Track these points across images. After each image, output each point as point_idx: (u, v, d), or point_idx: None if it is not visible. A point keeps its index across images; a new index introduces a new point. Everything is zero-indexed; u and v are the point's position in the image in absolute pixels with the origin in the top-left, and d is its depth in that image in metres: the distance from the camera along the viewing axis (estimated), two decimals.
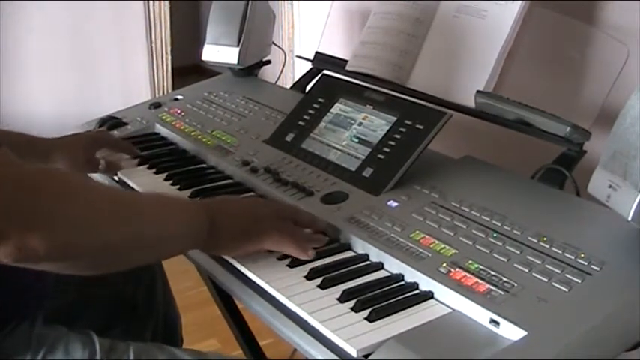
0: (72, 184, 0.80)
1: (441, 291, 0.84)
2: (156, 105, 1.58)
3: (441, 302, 0.84)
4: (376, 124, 1.16)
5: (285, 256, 0.94)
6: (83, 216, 0.77)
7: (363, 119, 1.18)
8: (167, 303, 1.31)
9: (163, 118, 1.50)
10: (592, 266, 0.82)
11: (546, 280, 0.81)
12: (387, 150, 1.11)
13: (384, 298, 0.84)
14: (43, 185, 0.75)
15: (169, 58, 3.39)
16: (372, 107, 1.19)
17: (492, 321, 0.77)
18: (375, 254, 0.94)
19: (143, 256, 0.89)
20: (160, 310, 1.28)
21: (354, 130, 1.18)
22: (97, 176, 1.30)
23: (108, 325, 1.09)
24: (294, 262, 0.93)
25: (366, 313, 0.81)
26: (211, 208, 0.92)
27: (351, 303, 0.83)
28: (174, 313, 1.35)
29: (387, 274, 0.91)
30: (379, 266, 0.92)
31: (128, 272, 1.23)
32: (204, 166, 1.31)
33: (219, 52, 1.64)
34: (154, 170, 1.28)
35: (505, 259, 0.86)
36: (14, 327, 0.89)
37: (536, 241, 0.88)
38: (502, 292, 0.80)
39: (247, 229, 0.92)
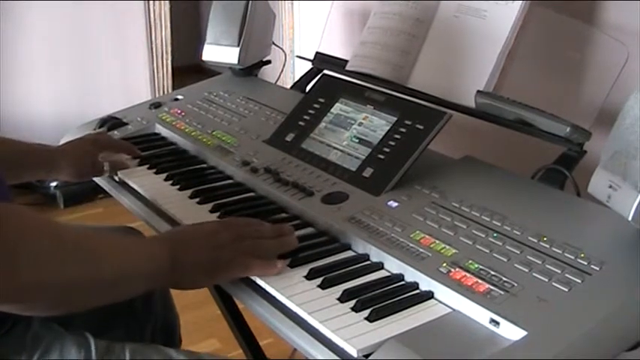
0: (31, 222, 0.78)
1: (441, 291, 0.84)
2: (156, 105, 1.58)
3: (441, 302, 0.84)
4: (376, 124, 1.16)
5: (284, 256, 0.94)
6: (44, 254, 0.75)
7: (363, 119, 1.18)
8: (165, 304, 1.31)
9: (163, 118, 1.50)
10: (592, 266, 0.82)
11: (546, 280, 0.81)
12: (387, 150, 1.11)
13: (384, 298, 0.84)
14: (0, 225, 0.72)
15: (169, 58, 3.39)
16: (372, 107, 1.19)
17: (492, 321, 0.77)
18: (375, 254, 0.94)
19: (104, 295, 0.85)
20: (158, 312, 1.28)
21: (354, 130, 1.18)
22: (99, 178, 1.31)
23: (106, 326, 1.09)
24: (294, 262, 0.93)
25: (366, 313, 0.81)
26: (172, 245, 0.89)
27: (352, 303, 0.83)
28: (173, 314, 1.35)
29: (387, 274, 0.91)
30: (379, 266, 0.92)
31: None
32: (204, 166, 1.31)
33: (219, 52, 1.64)
34: (154, 170, 1.28)
35: (505, 259, 0.86)
36: (9, 328, 0.89)
37: (536, 241, 0.88)
38: (502, 292, 0.80)
39: (213, 260, 0.89)
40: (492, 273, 0.83)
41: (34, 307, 0.79)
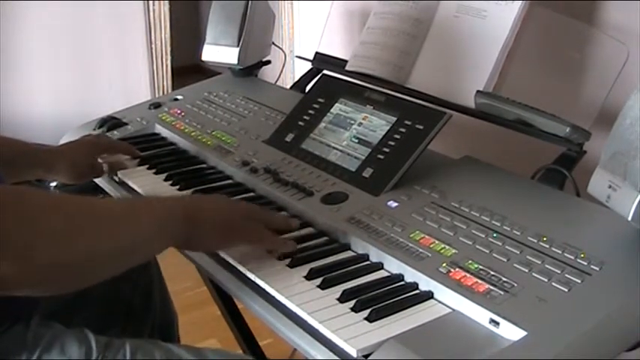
0: (41, 200, 0.77)
1: (440, 291, 0.84)
2: (156, 105, 1.58)
3: (440, 302, 0.84)
4: (376, 124, 1.16)
5: (284, 256, 0.94)
6: (58, 231, 0.75)
7: (363, 119, 1.18)
8: (164, 302, 1.31)
9: (163, 118, 1.50)
10: (592, 266, 0.82)
11: (546, 280, 0.81)
12: (386, 150, 1.11)
13: (383, 298, 0.84)
14: (8, 206, 0.71)
15: (169, 58, 3.39)
16: (371, 107, 1.19)
17: (492, 321, 0.77)
18: (375, 254, 0.94)
19: (123, 262, 0.86)
20: (156, 310, 1.28)
21: (353, 130, 1.18)
22: (99, 178, 1.31)
23: (105, 325, 1.09)
24: (294, 262, 0.93)
25: (365, 313, 0.81)
26: (185, 204, 0.91)
27: (351, 303, 0.83)
28: (171, 312, 1.35)
29: (387, 274, 0.91)
30: (379, 266, 0.92)
31: (125, 272, 1.23)
32: (204, 166, 1.31)
33: (219, 52, 1.64)
34: (154, 170, 1.28)
35: (505, 259, 0.85)
36: (8, 327, 0.89)
37: (536, 241, 0.88)
38: (502, 292, 0.80)
39: (227, 222, 0.92)
40: (492, 273, 0.83)
41: (57, 285, 0.79)
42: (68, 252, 0.76)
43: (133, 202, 0.88)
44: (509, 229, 0.91)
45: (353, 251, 0.97)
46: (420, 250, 0.91)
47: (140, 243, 0.85)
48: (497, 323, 0.77)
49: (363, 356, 0.75)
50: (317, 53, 1.61)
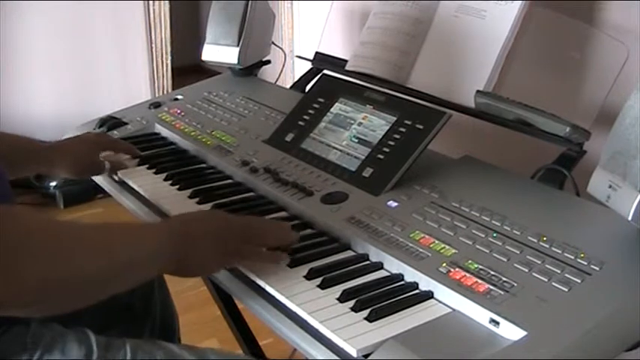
0: (31, 223, 0.76)
1: (440, 291, 0.84)
2: (156, 105, 1.58)
3: (440, 302, 0.84)
4: (376, 124, 1.16)
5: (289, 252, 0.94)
6: (47, 254, 0.74)
7: (363, 119, 1.18)
8: (164, 303, 1.31)
9: (163, 118, 1.50)
10: (592, 266, 0.82)
11: (546, 280, 0.81)
12: (386, 150, 1.11)
13: (383, 298, 0.84)
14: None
15: (169, 58, 3.39)
16: (371, 107, 1.19)
17: (492, 321, 0.77)
18: (375, 254, 0.94)
19: (115, 285, 0.85)
20: (157, 311, 1.28)
21: (353, 130, 1.18)
22: (99, 178, 1.31)
23: (105, 326, 1.09)
24: (294, 262, 0.93)
25: (365, 313, 0.81)
26: (176, 230, 0.89)
27: (351, 303, 0.83)
28: (172, 313, 1.35)
29: (387, 274, 0.91)
30: (379, 266, 0.92)
31: None
32: (204, 166, 1.31)
33: (219, 52, 1.64)
34: (154, 170, 1.28)
35: (505, 259, 0.85)
36: (8, 328, 0.89)
37: (536, 241, 0.88)
38: (502, 292, 0.80)
39: (222, 246, 0.90)
40: (492, 273, 0.83)
41: (49, 306, 0.78)
42: (58, 272, 0.75)
43: (127, 225, 0.87)
44: (509, 228, 0.91)
45: (353, 251, 0.97)
46: (420, 249, 0.91)
47: (134, 266, 0.84)
48: (497, 323, 0.77)
49: (363, 356, 0.75)
50: (317, 53, 1.61)
